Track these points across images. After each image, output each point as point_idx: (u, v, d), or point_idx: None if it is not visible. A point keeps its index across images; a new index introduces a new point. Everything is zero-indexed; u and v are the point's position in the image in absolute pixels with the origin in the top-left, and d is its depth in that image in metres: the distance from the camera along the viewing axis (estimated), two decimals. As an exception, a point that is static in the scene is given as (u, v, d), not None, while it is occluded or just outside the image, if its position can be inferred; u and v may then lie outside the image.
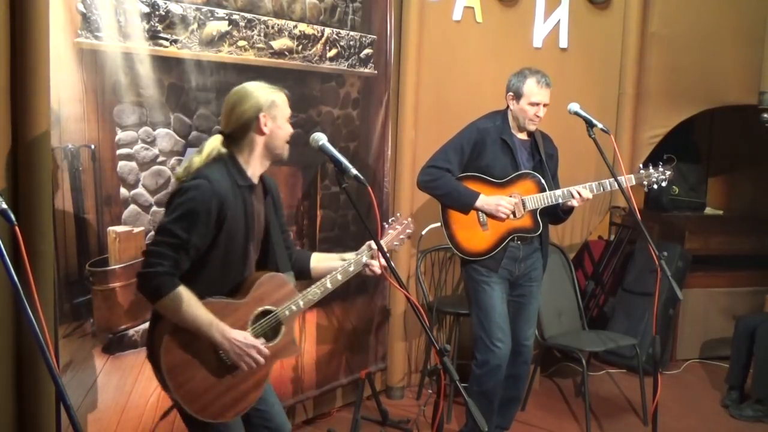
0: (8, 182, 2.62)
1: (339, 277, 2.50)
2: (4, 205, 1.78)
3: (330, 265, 2.55)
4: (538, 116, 3.44)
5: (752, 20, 4.68)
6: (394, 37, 4.08)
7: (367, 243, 2.53)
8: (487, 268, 3.49)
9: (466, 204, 3.45)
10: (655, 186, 3.61)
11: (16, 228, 1.78)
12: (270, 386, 2.58)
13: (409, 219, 2.71)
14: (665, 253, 4.87)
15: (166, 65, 2.96)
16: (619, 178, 3.29)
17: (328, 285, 2.48)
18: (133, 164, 2.91)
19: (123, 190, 2.88)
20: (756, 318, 4.48)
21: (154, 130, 2.95)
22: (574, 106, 3.37)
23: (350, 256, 2.55)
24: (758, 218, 5.59)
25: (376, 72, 4.00)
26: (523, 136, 3.53)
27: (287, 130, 2.39)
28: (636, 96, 4.88)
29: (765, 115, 4.54)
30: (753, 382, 4.32)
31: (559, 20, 4.61)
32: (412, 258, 4.35)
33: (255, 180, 2.39)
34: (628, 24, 4.80)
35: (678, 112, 4.96)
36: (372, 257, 2.51)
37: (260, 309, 2.38)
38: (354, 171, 2.34)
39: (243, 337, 2.29)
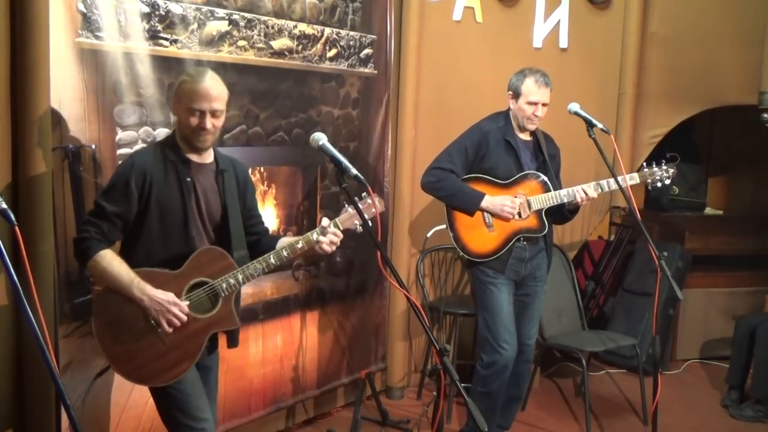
0: (8, 182, 2.62)
1: (285, 253, 2.52)
2: (4, 205, 1.78)
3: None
4: (536, 116, 3.43)
5: (752, 20, 4.67)
6: (394, 37, 4.08)
7: (320, 222, 2.57)
8: (494, 269, 3.48)
9: (472, 205, 3.44)
10: (659, 184, 3.60)
11: (16, 228, 1.79)
12: (212, 382, 2.64)
13: (378, 199, 2.64)
14: (665, 253, 4.87)
15: (166, 65, 2.96)
16: (622, 176, 3.30)
17: (272, 260, 2.50)
18: (133, 164, 2.90)
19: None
20: (756, 318, 4.48)
21: (154, 130, 2.95)
22: (574, 106, 3.37)
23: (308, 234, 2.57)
24: (758, 218, 5.59)
25: (376, 72, 4.00)
26: (525, 136, 3.53)
27: (187, 121, 2.39)
28: (636, 96, 4.87)
29: (765, 115, 4.54)
30: (753, 382, 4.32)
31: (559, 20, 4.60)
32: (412, 258, 4.35)
33: (193, 156, 2.45)
34: (628, 24, 4.80)
35: (678, 112, 4.95)
36: (323, 234, 2.53)
37: (195, 280, 2.42)
38: (354, 171, 2.34)
39: (164, 294, 2.35)
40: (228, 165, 2.56)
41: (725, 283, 5.29)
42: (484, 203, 3.43)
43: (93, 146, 2.77)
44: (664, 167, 3.59)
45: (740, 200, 5.93)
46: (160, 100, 2.95)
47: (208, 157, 2.51)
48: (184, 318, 2.37)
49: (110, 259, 2.33)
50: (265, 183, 3.51)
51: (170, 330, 2.36)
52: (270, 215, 3.54)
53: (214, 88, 2.40)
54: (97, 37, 2.72)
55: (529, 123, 3.46)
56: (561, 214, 3.56)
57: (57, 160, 2.65)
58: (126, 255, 2.39)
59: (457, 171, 3.45)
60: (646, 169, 3.60)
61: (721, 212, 5.81)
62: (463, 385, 2.19)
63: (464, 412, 3.96)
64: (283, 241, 2.62)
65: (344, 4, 3.75)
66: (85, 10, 2.68)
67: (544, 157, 3.52)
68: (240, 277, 2.46)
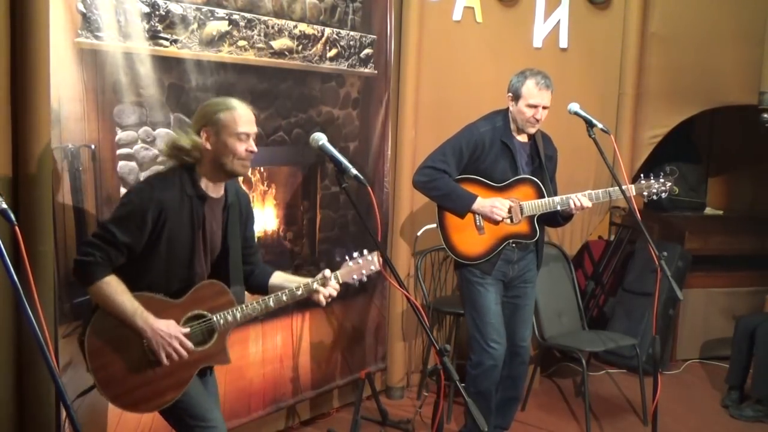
0: (8, 182, 2.62)
1: (284, 298, 2.52)
2: (4, 205, 1.78)
3: (286, 285, 2.57)
4: (536, 119, 3.37)
5: (752, 20, 4.67)
6: (394, 37, 4.08)
7: (323, 271, 2.55)
8: (482, 270, 3.47)
9: (464, 206, 3.41)
10: (655, 197, 3.55)
11: (16, 228, 1.78)
12: (215, 392, 2.63)
13: (376, 257, 2.65)
14: (665, 253, 4.85)
15: (166, 65, 2.96)
16: (619, 188, 3.27)
17: (270, 303, 2.50)
18: (133, 164, 2.90)
19: (123, 190, 2.87)
20: (756, 318, 4.48)
21: (154, 130, 2.95)
22: (574, 106, 3.36)
23: (304, 281, 2.56)
24: (758, 218, 5.59)
25: (376, 72, 4.00)
26: (523, 138, 3.49)
27: (234, 148, 2.37)
28: (636, 96, 4.87)
29: (765, 115, 4.54)
30: (753, 382, 4.32)
31: (559, 20, 4.60)
32: (412, 258, 4.35)
33: (210, 191, 2.43)
34: (628, 24, 4.80)
35: (678, 112, 4.95)
36: (324, 285, 2.54)
37: (194, 312, 2.42)
38: (354, 171, 2.34)
39: (166, 326, 2.33)
40: (234, 197, 2.54)
41: (725, 283, 5.29)
42: (475, 206, 3.40)
43: (93, 146, 2.77)
44: (662, 180, 3.52)
45: (740, 200, 5.93)
46: (160, 100, 2.95)
47: (221, 190, 2.48)
48: (185, 354, 2.35)
49: (115, 286, 2.29)
50: (265, 183, 3.51)
51: (167, 363, 2.34)
52: (270, 215, 3.54)
53: (250, 112, 2.42)
54: (97, 37, 2.72)
55: (528, 126, 3.41)
56: (554, 219, 3.53)
57: (57, 160, 2.65)
58: (126, 280, 2.33)
59: (451, 171, 3.41)
60: (643, 181, 3.53)
61: (721, 212, 5.81)
62: (462, 385, 2.19)
63: (463, 412, 3.96)
64: (278, 276, 2.63)
65: (344, 4, 3.75)
66: (85, 10, 2.68)
67: (541, 160, 3.49)
68: (238, 315, 2.46)
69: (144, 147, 2.93)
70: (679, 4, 4.85)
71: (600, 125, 3.25)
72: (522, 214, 3.43)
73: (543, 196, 3.44)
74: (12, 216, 1.77)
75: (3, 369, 2.67)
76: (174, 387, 2.39)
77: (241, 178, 2.86)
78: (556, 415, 4.26)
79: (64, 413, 2.58)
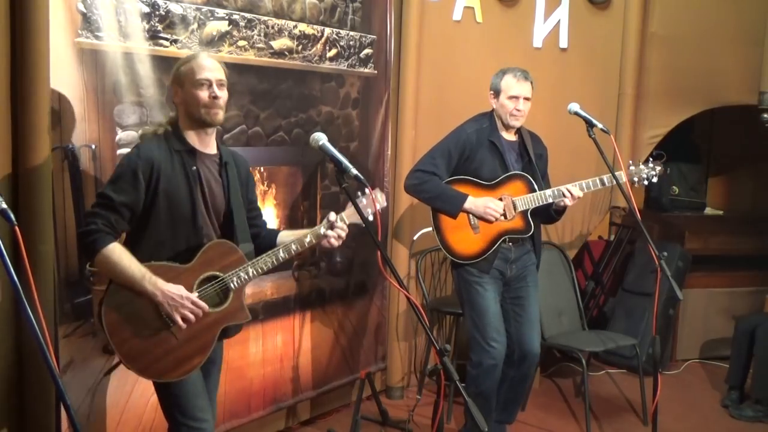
0: (8, 182, 2.62)
1: (294, 246, 2.52)
2: (4, 205, 1.78)
3: (293, 239, 2.57)
4: (519, 110, 3.41)
5: (752, 20, 4.67)
6: (394, 37, 4.08)
7: (327, 215, 2.57)
8: (479, 269, 3.47)
9: (455, 207, 3.42)
10: (646, 182, 3.57)
11: (16, 228, 1.78)
12: (214, 377, 2.62)
13: (379, 194, 2.65)
14: (665, 253, 4.86)
15: (166, 65, 2.96)
16: (607, 176, 3.33)
17: (281, 254, 2.50)
18: (133, 164, 2.90)
19: (123, 190, 2.88)
20: (756, 318, 4.49)
21: (154, 130, 2.95)
22: (574, 106, 3.36)
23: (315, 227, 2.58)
24: (758, 218, 5.59)
25: (376, 72, 4.00)
26: (511, 137, 3.51)
27: (197, 96, 2.40)
28: (636, 96, 4.88)
29: (765, 115, 4.54)
30: (753, 382, 4.32)
31: (559, 20, 4.60)
32: (412, 258, 4.36)
33: (197, 145, 2.45)
34: (628, 24, 4.80)
35: (678, 112, 4.95)
36: (331, 228, 2.55)
37: (206, 274, 2.41)
38: (354, 171, 2.34)
39: (176, 289, 2.32)
40: (230, 158, 2.57)
41: (725, 283, 5.29)
42: (467, 205, 3.41)
43: (93, 146, 2.77)
44: (651, 164, 3.57)
45: (740, 200, 5.94)
46: (160, 100, 2.95)
47: (212, 147, 2.51)
48: (200, 313, 2.35)
49: (120, 253, 2.28)
50: (265, 183, 3.51)
51: (184, 326, 2.34)
52: (270, 215, 3.54)
53: (212, 60, 2.45)
54: (97, 37, 2.72)
55: (512, 119, 3.44)
56: (548, 214, 3.54)
57: (57, 160, 2.65)
58: (133, 248, 2.34)
59: (440, 173, 3.43)
60: (632, 168, 3.58)
61: (721, 212, 5.81)
62: (463, 385, 2.19)
63: (463, 412, 3.95)
64: (285, 235, 2.63)
65: (344, 4, 3.75)
66: (85, 10, 2.68)
67: (530, 157, 3.50)
68: (250, 271, 2.46)
69: (144, 147, 2.92)
70: (679, 4, 4.85)
71: (600, 125, 3.25)
72: (515, 210, 3.45)
73: (534, 191, 3.46)
74: (12, 216, 1.77)
75: (3, 369, 2.67)
76: (199, 351, 2.40)
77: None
78: (556, 415, 4.26)
79: (64, 413, 2.58)
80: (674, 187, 5.59)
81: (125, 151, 2.86)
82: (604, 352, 4.68)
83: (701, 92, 4.86)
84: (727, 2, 4.79)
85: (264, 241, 2.63)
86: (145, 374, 2.37)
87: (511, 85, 3.41)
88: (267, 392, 3.59)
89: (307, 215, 3.75)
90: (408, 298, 2.31)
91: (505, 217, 3.44)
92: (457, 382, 2.15)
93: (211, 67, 2.42)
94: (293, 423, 3.88)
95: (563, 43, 4.64)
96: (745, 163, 5.80)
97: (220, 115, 2.44)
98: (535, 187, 3.46)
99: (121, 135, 2.85)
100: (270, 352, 3.59)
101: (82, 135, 2.73)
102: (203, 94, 2.39)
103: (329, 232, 2.55)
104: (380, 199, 2.66)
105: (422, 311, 2.30)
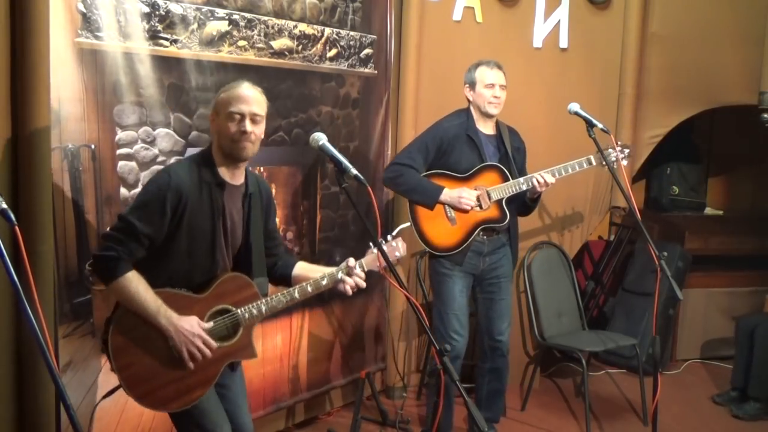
0: (8, 182, 2.62)
1: (309, 288, 2.48)
2: (4, 205, 1.77)
3: (311, 276, 2.54)
4: (496, 97, 3.49)
5: (752, 20, 4.67)
6: (394, 37, 4.08)
7: (346, 260, 2.53)
8: (452, 261, 3.53)
9: (431, 198, 3.48)
10: (614, 165, 3.49)
11: (16, 228, 1.78)
12: (242, 388, 2.59)
13: (400, 242, 2.65)
14: (665, 253, 4.87)
15: (166, 65, 2.96)
16: (578, 161, 3.48)
17: (296, 295, 2.47)
18: (133, 164, 2.91)
19: (123, 190, 2.88)
20: (755, 318, 4.49)
21: (154, 130, 2.96)
22: (574, 106, 3.37)
23: (329, 270, 2.53)
24: (758, 218, 5.59)
25: (376, 72, 4.00)
26: (488, 130, 3.58)
27: (226, 128, 2.33)
28: (636, 96, 4.87)
29: (765, 115, 4.53)
30: (751, 380, 4.32)
31: (559, 20, 4.60)
32: (412, 258, 4.35)
33: (227, 178, 2.39)
34: (628, 24, 4.80)
35: (678, 112, 4.95)
36: (348, 274, 2.51)
37: (218, 307, 2.38)
38: (354, 171, 2.34)
39: (189, 325, 2.29)
40: (255, 186, 2.50)
41: (725, 283, 5.29)
42: (442, 196, 3.47)
43: (93, 146, 2.77)
44: (619, 147, 3.58)
45: (740, 200, 5.94)
46: (160, 100, 2.95)
47: (240, 177, 2.44)
48: (209, 354, 2.32)
49: (137, 284, 2.24)
50: (265, 183, 3.51)
51: (191, 365, 2.31)
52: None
53: (252, 92, 2.35)
54: (96, 37, 2.72)
55: (490, 107, 3.50)
56: (523, 204, 3.62)
57: (57, 160, 2.65)
58: (147, 274, 2.28)
59: (417, 166, 3.49)
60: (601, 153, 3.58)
61: (721, 212, 5.81)
62: (463, 385, 2.19)
63: (463, 412, 3.95)
64: (300, 268, 2.60)
65: (344, 4, 3.75)
66: (85, 10, 2.68)
67: (506, 149, 3.56)
68: (263, 308, 2.43)
69: (144, 147, 2.93)
70: (679, 4, 4.84)
71: (600, 125, 3.26)
72: (490, 200, 3.50)
73: (508, 180, 3.52)
74: (12, 216, 1.77)
75: (3, 369, 2.67)
76: (201, 384, 2.36)
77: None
78: (556, 415, 4.26)
79: (64, 413, 2.58)
80: (674, 187, 5.59)
81: (125, 151, 2.86)
82: (604, 352, 4.68)
83: (701, 92, 4.86)
84: (727, 2, 4.79)
85: (279, 270, 2.60)
86: (143, 402, 2.32)
87: (486, 74, 3.50)
88: (266, 392, 3.59)
89: (307, 215, 3.75)
90: (408, 298, 2.31)
91: (480, 207, 3.50)
92: (457, 382, 2.15)
93: (248, 100, 2.33)
94: (293, 423, 3.87)
95: (563, 43, 4.64)
96: (745, 163, 5.80)
97: (249, 150, 2.35)
98: (509, 176, 3.52)
99: (121, 135, 2.85)
100: (270, 351, 3.59)
101: (82, 135, 2.73)
102: (233, 128, 2.32)
103: (347, 279, 2.51)
104: (401, 249, 2.64)
105: (422, 311, 2.29)
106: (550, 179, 3.49)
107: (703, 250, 5.23)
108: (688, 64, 4.82)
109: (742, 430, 4.17)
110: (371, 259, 2.57)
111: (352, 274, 2.52)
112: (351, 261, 2.52)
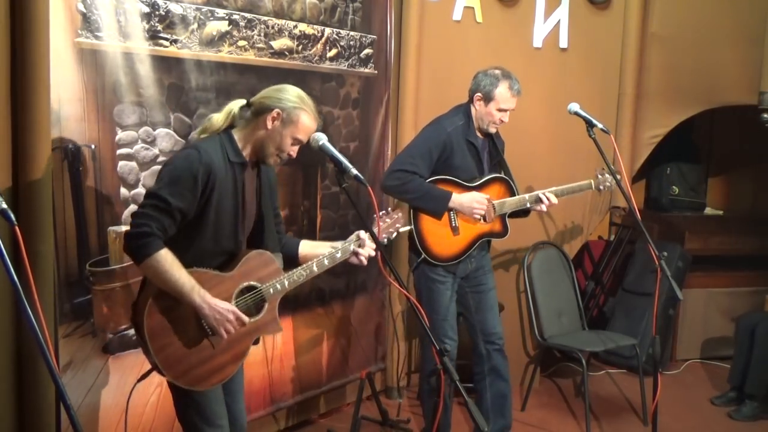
0: (8, 182, 2.62)
1: (326, 262, 2.53)
2: (4, 205, 1.77)
3: (318, 251, 2.58)
4: (503, 121, 3.41)
5: (752, 20, 4.67)
6: (394, 37, 4.08)
7: (356, 232, 2.58)
8: (446, 269, 3.46)
9: (440, 206, 3.38)
10: (610, 189, 3.71)
11: (16, 228, 1.78)
12: (241, 380, 2.62)
13: (400, 214, 2.70)
14: (665, 253, 4.87)
15: (166, 65, 2.96)
16: (583, 182, 3.53)
17: (314, 268, 2.51)
18: (133, 164, 2.91)
19: (123, 190, 2.88)
20: (756, 316, 4.49)
21: (154, 129, 2.96)
22: (574, 106, 3.36)
23: (339, 244, 2.58)
24: (758, 218, 5.59)
25: (376, 72, 4.00)
26: (481, 135, 3.51)
27: (285, 145, 2.37)
28: (636, 96, 4.88)
29: (765, 115, 4.54)
30: (749, 378, 4.31)
31: (559, 20, 4.60)
32: (412, 258, 4.35)
33: (248, 159, 2.41)
34: (628, 24, 4.80)
35: (678, 112, 4.95)
36: (360, 246, 2.56)
37: (245, 284, 2.40)
38: (354, 171, 2.34)
39: (223, 302, 2.31)
40: (268, 167, 2.54)
41: (725, 283, 5.29)
42: (452, 203, 3.37)
43: (93, 146, 2.77)
44: (608, 176, 3.66)
45: (740, 200, 5.93)
46: (160, 100, 2.96)
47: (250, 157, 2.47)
48: (238, 327, 2.34)
49: (171, 261, 2.22)
50: (265, 183, 3.51)
51: (226, 337, 2.33)
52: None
53: (315, 122, 2.41)
54: (96, 37, 2.72)
55: (492, 127, 3.44)
56: (516, 213, 3.57)
57: (57, 160, 2.65)
58: (176, 253, 2.26)
59: (421, 173, 3.36)
60: (600, 176, 3.69)
61: (721, 212, 5.81)
62: (463, 385, 2.19)
63: (463, 412, 3.96)
64: (306, 246, 2.62)
65: (344, 4, 3.75)
66: (85, 10, 2.68)
67: (501, 157, 3.53)
68: (286, 282, 2.46)
69: (144, 147, 2.93)
70: (679, 4, 4.85)
71: (600, 125, 3.25)
72: (495, 213, 3.45)
73: (514, 194, 3.49)
74: (12, 216, 1.77)
75: (3, 369, 2.67)
76: (232, 361, 2.40)
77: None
78: (556, 415, 4.26)
79: (64, 413, 2.58)
80: (674, 187, 5.59)
81: (125, 151, 2.86)
82: (604, 352, 4.68)
83: (701, 92, 4.86)
84: (726, 2, 4.79)
85: (284, 249, 2.61)
86: (181, 380, 2.32)
87: (505, 98, 3.36)
88: (267, 392, 3.59)
89: (307, 215, 3.75)
90: (408, 298, 2.32)
91: (485, 220, 3.44)
92: (457, 382, 2.16)
93: (310, 130, 2.39)
94: (293, 423, 3.87)
95: (563, 43, 4.64)
96: (745, 163, 5.80)
97: (278, 163, 2.46)
98: (515, 190, 3.49)
99: (121, 135, 2.85)
100: (270, 351, 3.59)
101: (82, 135, 2.73)
102: (287, 147, 2.37)
103: (360, 250, 2.56)
104: (401, 220, 2.70)
105: (422, 311, 2.30)
106: (555, 200, 3.49)
107: (703, 250, 5.23)
108: (688, 64, 4.82)
109: (742, 430, 4.17)
110: (382, 227, 2.64)
111: (364, 246, 2.57)
112: (362, 233, 2.58)
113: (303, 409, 3.92)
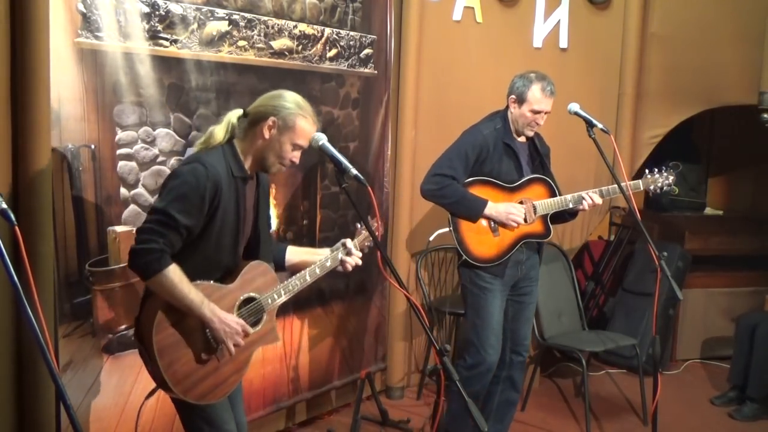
0: (8, 182, 2.62)
1: (317, 271, 2.55)
2: (4, 205, 1.77)
3: (304, 259, 2.60)
4: (537, 123, 3.36)
5: (752, 20, 4.67)
6: (394, 37, 4.08)
7: (342, 241, 2.61)
8: (492, 274, 3.40)
9: (475, 212, 3.35)
10: (659, 191, 3.61)
11: (16, 228, 1.78)
12: (239, 385, 2.59)
13: (375, 221, 2.69)
14: (665, 253, 4.86)
15: (166, 65, 2.96)
16: (624, 183, 3.31)
17: (308, 278, 2.53)
18: (133, 164, 2.91)
19: (123, 190, 2.88)
20: (756, 316, 4.49)
21: (154, 130, 2.96)
22: (574, 106, 3.36)
23: (324, 251, 2.61)
24: (758, 218, 5.59)
25: (376, 72, 4.00)
26: (521, 138, 3.47)
27: (285, 153, 2.35)
28: (636, 96, 4.88)
29: (765, 115, 4.54)
30: (750, 381, 4.32)
31: (559, 20, 4.61)
32: (412, 258, 4.35)
33: (250, 172, 2.41)
34: (628, 24, 4.80)
35: (678, 112, 4.95)
36: (348, 254, 2.59)
37: (245, 295, 2.41)
38: (354, 171, 2.34)
39: (233, 317, 2.33)
40: (263, 177, 2.53)
41: (725, 283, 5.29)
42: (487, 210, 3.34)
43: (93, 146, 2.77)
44: (665, 173, 3.58)
45: (740, 200, 5.94)
46: (160, 100, 2.96)
47: (251, 170, 2.45)
48: (243, 342, 2.35)
49: (180, 276, 2.20)
50: (265, 183, 3.51)
51: (234, 352, 2.33)
52: (271, 215, 3.54)
53: (314, 129, 2.40)
54: (96, 38, 2.72)
55: (528, 129, 3.39)
56: (561, 216, 3.51)
57: (57, 160, 2.65)
58: (180, 266, 2.24)
59: (458, 177, 3.35)
60: (648, 176, 3.58)
61: (721, 212, 5.81)
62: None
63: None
64: (294, 253, 2.64)
65: (344, 4, 3.75)
66: (85, 10, 2.68)
67: (541, 158, 3.48)
68: (282, 293, 2.47)
69: (144, 147, 2.93)
70: (679, 4, 4.85)
71: (600, 125, 3.25)
72: (535, 214, 3.41)
73: (555, 195, 3.43)
74: (12, 216, 1.77)
75: (3, 369, 2.67)
76: (235, 371, 2.40)
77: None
78: (556, 415, 4.26)
79: (64, 413, 2.58)
80: (674, 187, 5.58)
81: (125, 151, 2.86)
82: (604, 352, 4.68)
83: (701, 92, 4.86)
84: (727, 2, 4.79)
85: (273, 256, 2.61)
86: (189, 396, 2.30)
87: (539, 99, 3.32)
88: (267, 392, 3.59)
89: (307, 215, 3.75)
90: (408, 298, 2.31)
91: (525, 221, 3.40)
92: (458, 382, 2.16)
93: (310, 135, 2.37)
94: (293, 423, 3.87)
95: (563, 43, 4.64)
96: (745, 163, 5.80)
97: (281, 170, 2.45)
98: (556, 190, 3.44)
99: (121, 135, 2.85)
100: (270, 352, 3.58)
101: (82, 135, 2.73)
102: (288, 154, 2.35)
103: (347, 259, 2.59)
104: (380, 228, 2.77)
105: (422, 311, 2.29)
106: (598, 200, 3.41)
107: (703, 250, 5.24)
108: (688, 64, 4.82)
109: (742, 430, 4.18)
110: (362, 237, 2.69)
111: (352, 254, 2.60)
112: (348, 242, 2.61)
113: (303, 409, 3.91)
